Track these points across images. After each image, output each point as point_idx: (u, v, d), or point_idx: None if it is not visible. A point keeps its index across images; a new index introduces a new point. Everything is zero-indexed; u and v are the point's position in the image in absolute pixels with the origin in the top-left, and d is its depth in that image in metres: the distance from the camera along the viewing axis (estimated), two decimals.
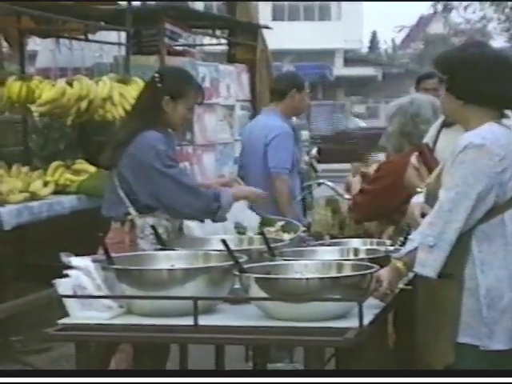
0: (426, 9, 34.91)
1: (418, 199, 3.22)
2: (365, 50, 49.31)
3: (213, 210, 3.80)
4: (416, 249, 2.93)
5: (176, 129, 4.03)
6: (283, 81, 5.59)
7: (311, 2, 42.62)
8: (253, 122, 5.86)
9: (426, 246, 2.89)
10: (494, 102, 2.94)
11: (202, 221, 3.92)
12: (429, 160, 3.63)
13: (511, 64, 2.98)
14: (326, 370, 2.92)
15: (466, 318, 2.87)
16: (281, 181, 5.27)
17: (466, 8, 30.43)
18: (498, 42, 29.57)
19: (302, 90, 5.49)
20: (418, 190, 3.26)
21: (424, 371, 2.90)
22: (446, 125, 3.70)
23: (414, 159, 3.73)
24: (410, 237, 3.07)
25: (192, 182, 3.87)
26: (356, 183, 4.38)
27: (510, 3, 29.20)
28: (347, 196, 4.62)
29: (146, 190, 3.81)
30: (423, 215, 3.06)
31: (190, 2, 10.14)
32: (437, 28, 39.55)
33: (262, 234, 3.44)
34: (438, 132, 3.80)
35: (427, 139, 3.83)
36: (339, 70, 37.69)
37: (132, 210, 3.84)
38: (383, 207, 3.97)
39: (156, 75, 3.97)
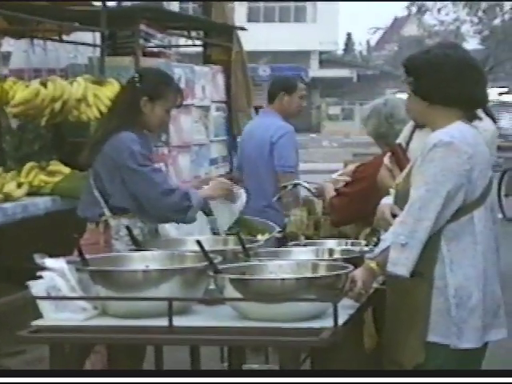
0: (400, 10, 35.14)
1: (387, 200, 3.24)
2: (340, 51, 49.51)
3: (183, 208, 3.78)
4: (388, 248, 2.95)
5: (153, 130, 4.02)
6: (274, 84, 5.80)
7: (287, 4, 42.69)
8: (252, 124, 6.08)
9: (397, 245, 2.91)
10: (459, 103, 2.96)
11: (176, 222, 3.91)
12: (402, 160, 3.65)
13: (476, 65, 3.01)
14: (302, 370, 2.93)
15: (435, 317, 2.89)
16: (287, 179, 5.35)
17: (439, 10, 30.65)
18: (470, 44, 29.80)
19: (291, 92, 5.63)
20: (391, 190, 3.28)
21: (397, 372, 2.92)
22: (418, 125, 3.72)
23: (386, 159, 3.75)
24: (382, 237, 3.08)
25: (164, 181, 3.85)
26: (330, 188, 4.39)
27: (482, 6, 29.44)
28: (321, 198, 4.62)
29: (120, 191, 3.81)
30: (394, 216, 3.08)
31: (165, 3, 10.12)
32: (411, 30, 39.72)
33: (237, 234, 3.44)
34: (411, 132, 3.82)
35: (400, 139, 3.85)
36: (314, 71, 37.83)
37: (106, 211, 3.83)
38: (361, 209, 3.97)
39: (136, 75, 3.98)
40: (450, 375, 2.81)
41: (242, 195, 4.03)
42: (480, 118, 3.09)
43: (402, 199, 3.01)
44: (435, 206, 2.87)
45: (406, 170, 3.15)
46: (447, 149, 2.87)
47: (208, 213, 3.95)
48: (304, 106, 5.78)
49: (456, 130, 2.92)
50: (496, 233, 3.03)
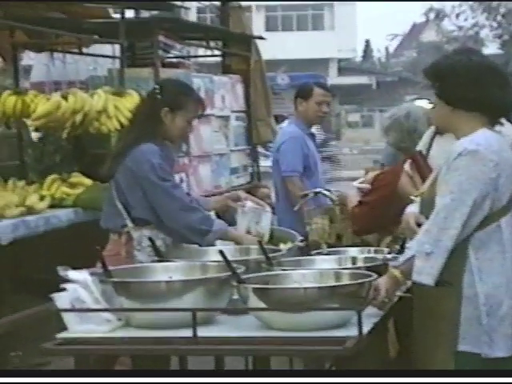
0: (418, 17, 35.02)
1: (412, 209, 3.22)
2: (358, 58, 49.42)
3: (200, 231, 3.75)
4: (413, 257, 2.94)
5: (174, 141, 4.01)
6: (295, 91, 5.89)
7: (304, 12, 42.69)
8: None
9: (422, 254, 2.89)
10: (482, 108, 2.94)
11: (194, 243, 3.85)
12: (422, 167, 3.64)
13: (498, 70, 3.00)
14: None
15: (465, 327, 2.87)
16: (292, 184, 5.39)
17: (458, 15, 30.57)
18: (490, 49, 29.65)
19: (307, 98, 5.66)
20: (412, 197, 3.27)
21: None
22: (439, 132, 3.70)
23: (407, 167, 3.74)
24: (407, 245, 3.07)
25: (184, 196, 3.85)
26: (352, 197, 4.38)
27: (501, 10, 29.33)
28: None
29: (140, 203, 3.81)
30: (418, 225, 3.06)
31: (183, 14, 10.14)
32: (429, 36, 39.61)
33: (259, 244, 3.44)
34: (431, 139, 3.80)
35: (420, 147, 3.84)
36: (333, 79, 37.75)
37: (129, 222, 3.84)
38: (381, 218, 3.96)
39: (156, 87, 3.99)
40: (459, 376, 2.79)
41: (268, 214, 4.01)
42: (501, 123, 3.08)
43: (427, 208, 3.00)
44: (461, 214, 2.85)
45: (430, 179, 3.13)
46: (472, 157, 2.86)
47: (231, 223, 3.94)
48: (325, 111, 5.72)
49: (481, 138, 2.90)
50: None
